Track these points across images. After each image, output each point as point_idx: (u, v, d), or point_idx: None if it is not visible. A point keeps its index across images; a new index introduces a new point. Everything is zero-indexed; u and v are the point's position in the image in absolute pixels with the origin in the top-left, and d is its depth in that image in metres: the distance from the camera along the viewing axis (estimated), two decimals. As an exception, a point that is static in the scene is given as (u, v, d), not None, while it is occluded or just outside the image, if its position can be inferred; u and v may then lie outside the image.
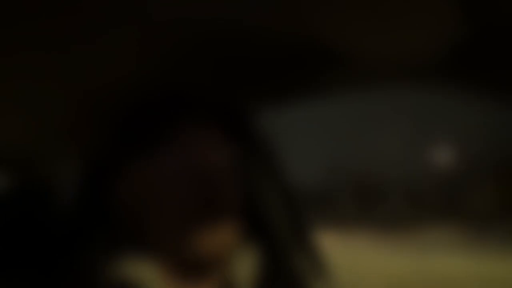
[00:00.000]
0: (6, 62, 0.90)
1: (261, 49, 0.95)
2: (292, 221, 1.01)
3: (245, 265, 0.98)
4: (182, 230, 0.91)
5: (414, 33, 0.91)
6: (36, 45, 0.86)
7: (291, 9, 0.84)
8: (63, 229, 1.08)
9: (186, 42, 0.90)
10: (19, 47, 0.86)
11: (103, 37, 0.86)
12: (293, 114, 1.17)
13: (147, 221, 0.93)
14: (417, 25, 0.89)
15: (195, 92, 1.01)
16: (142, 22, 0.84)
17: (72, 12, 0.79)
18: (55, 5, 0.77)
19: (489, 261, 11.34)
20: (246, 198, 0.96)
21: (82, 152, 1.13)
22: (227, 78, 1.03)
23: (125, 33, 0.86)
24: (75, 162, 1.16)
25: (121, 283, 0.92)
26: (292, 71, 1.02)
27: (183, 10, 0.82)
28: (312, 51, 0.96)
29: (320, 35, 0.91)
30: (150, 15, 0.82)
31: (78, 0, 0.78)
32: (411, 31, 0.91)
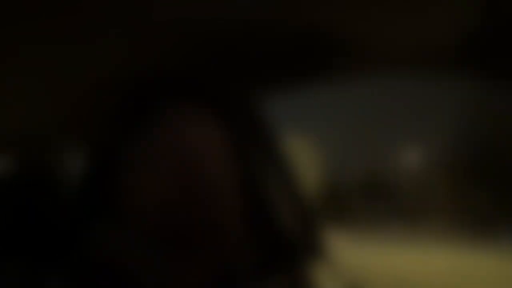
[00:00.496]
0: (12, 56, 0.91)
1: (265, 35, 0.95)
2: (291, 206, 1.01)
3: (245, 248, 0.98)
4: (173, 211, 0.92)
5: (430, 22, 0.91)
6: (41, 40, 0.86)
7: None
8: (64, 214, 1.08)
9: (188, 29, 0.90)
10: (25, 43, 0.87)
11: (103, 33, 0.87)
12: (300, 102, 1.17)
13: (143, 205, 0.93)
14: (432, 14, 0.89)
15: (194, 76, 1.01)
16: (142, 12, 0.84)
17: (74, 11, 0.80)
18: (56, 5, 0.78)
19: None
20: (243, 182, 0.96)
21: (83, 139, 1.14)
22: (230, 65, 1.03)
23: (128, 27, 0.87)
24: (77, 149, 1.17)
25: (118, 267, 0.93)
26: (298, 58, 1.02)
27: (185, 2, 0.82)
28: (320, 39, 0.96)
29: (330, 22, 0.91)
30: (151, 6, 0.82)
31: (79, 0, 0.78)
32: (426, 20, 0.90)
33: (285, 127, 1.05)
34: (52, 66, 0.97)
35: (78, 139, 1.14)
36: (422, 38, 0.95)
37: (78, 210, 0.99)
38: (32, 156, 1.30)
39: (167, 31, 0.88)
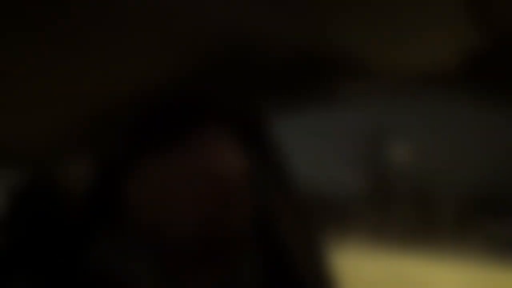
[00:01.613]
0: (21, 62, 0.90)
1: (277, 56, 0.95)
2: (301, 230, 1.01)
3: (252, 267, 0.98)
4: (191, 231, 0.92)
5: (431, 43, 0.91)
6: (53, 46, 0.86)
7: (309, 16, 0.84)
8: (74, 226, 1.08)
9: (202, 48, 0.91)
10: (37, 48, 0.87)
11: (120, 41, 0.87)
12: (309, 123, 1.17)
13: (156, 223, 0.94)
14: (433, 35, 0.89)
15: (209, 97, 1.01)
16: (159, 28, 0.84)
17: (90, 17, 0.80)
18: (70, 9, 0.78)
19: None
20: (257, 204, 0.96)
21: (95, 151, 1.13)
22: (244, 85, 1.03)
23: (142, 39, 0.86)
24: (88, 161, 1.16)
25: (125, 279, 0.93)
26: (310, 80, 1.02)
27: (200, 17, 0.82)
28: (329, 60, 0.96)
29: (337, 43, 0.91)
30: (167, 22, 0.83)
31: (96, 6, 0.78)
32: (428, 40, 0.90)
33: (292, 147, 1.05)
34: (64, 78, 0.97)
35: (91, 154, 1.14)
36: (423, 57, 0.96)
37: (87, 225, 1.00)
38: (43, 170, 1.29)
39: (184, 38, 0.88)
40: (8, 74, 0.93)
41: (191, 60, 0.93)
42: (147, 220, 0.94)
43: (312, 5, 0.81)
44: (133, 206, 0.95)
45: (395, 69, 0.99)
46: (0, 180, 1.35)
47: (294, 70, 0.99)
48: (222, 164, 0.93)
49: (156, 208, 0.93)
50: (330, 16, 0.84)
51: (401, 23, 0.86)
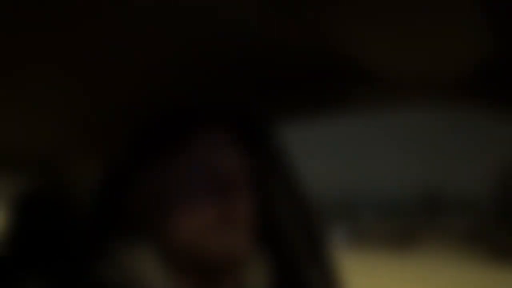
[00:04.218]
0: (31, 70, 0.91)
1: (284, 61, 0.95)
2: (305, 231, 1.01)
3: (258, 271, 0.98)
4: (197, 234, 0.92)
5: (442, 51, 0.91)
6: (61, 53, 0.86)
7: (316, 23, 0.84)
8: (82, 230, 1.08)
9: (209, 53, 0.91)
10: (46, 55, 0.87)
11: (127, 46, 0.87)
12: (314, 127, 1.17)
13: (163, 224, 0.94)
14: (444, 43, 0.89)
15: (215, 101, 1.01)
16: (165, 33, 0.84)
17: (97, 24, 0.80)
18: (79, 16, 0.78)
19: None
20: (260, 205, 0.96)
21: (102, 155, 1.13)
22: (250, 90, 1.03)
23: (148, 44, 0.87)
24: (95, 165, 1.16)
25: (134, 283, 0.93)
26: (316, 85, 1.02)
27: (207, 22, 0.82)
28: (336, 67, 0.96)
29: (345, 51, 0.91)
30: (174, 26, 0.83)
31: (106, 13, 0.78)
32: (439, 49, 0.90)
33: (300, 155, 1.05)
34: (71, 86, 0.97)
35: (100, 161, 1.14)
36: (436, 67, 0.96)
37: (96, 231, 1.00)
38: (50, 175, 1.30)
39: (191, 43, 0.88)
40: (13, 81, 0.93)
41: (197, 63, 0.93)
42: (153, 223, 0.94)
43: (319, 11, 0.81)
44: (139, 209, 0.95)
45: (405, 76, 0.99)
46: (7, 186, 1.36)
47: (300, 75, 0.99)
48: (226, 167, 0.94)
49: (162, 211, 0.94)
50: (337, 22, 0.83)
51: (412, 30, 0.86)
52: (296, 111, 1.11)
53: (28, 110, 1.04)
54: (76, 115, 1.07)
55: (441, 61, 0.94)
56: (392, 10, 0.81)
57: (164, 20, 0.81)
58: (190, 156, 0.94)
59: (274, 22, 0.83)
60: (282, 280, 1.00)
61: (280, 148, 1.03)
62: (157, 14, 0.79)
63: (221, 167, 0.93)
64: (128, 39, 0.85)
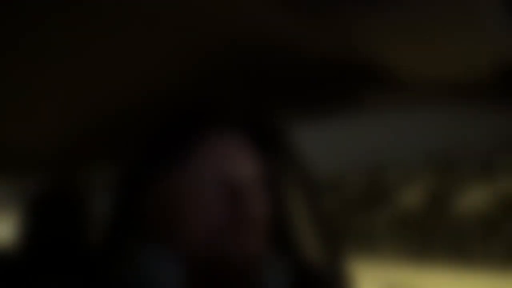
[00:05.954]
0: (42, 74, 0.91)
1: (299, 63, 0.94)
2: (318, 235, 1.01)
3: (274, 276, 0.98)
4: (212, 237, 0.92)
5: (462, 55, 0.90)
6: (71, 55, 0.87)
7: (333, 25, 0.83)
8: (96, 234, 1.08)
9: (222, 54, 0.91)
10: (58, 62, 0.87)
11: (138, 49, 0.87)
12: (328, 129, 1.17)
13: (176, 228, 0.94)
14: (466, 47, 0.88)
15: (228, 104, 1.01)
16: (177, 35, 0.84)
17: (105, 25, 0.80)
18: (93, 26, 0.78)
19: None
20: (274, 209, 0.97)
21: (116, 159, 1.14)
22: (262, 92, 1.04)
23: (160, 47, 0.87)
24: (109, 170, 1.17)
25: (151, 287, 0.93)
26: (331, 87, 1.02)
27: (220, 24, 0.82)
28: (354, 67, 0.96)
29: (363, 50, 0.91)
30: (185, 28, 0.83)
31: (104, 10, 0.78)
32: (460, 52, 0.90)
33: (313, 157, 1.05)
34: (84, 88, 0.97)
35: (112, 162, 1.14)
36: (456, 71, 0.95)
37: (113, 235, 1.00)
38: (65, 177, 1.30)
39: (203, 45, 0.88)
40: (21, 84, 0.93)
41: (210, 65, 0.93)
42: (170, 227, 0.94)
43: (337, 12, 0.80)
44: (156, 213, 0.95)
45: (423, 78, 0.98)
46: (20, 189, 1.36)
47: (317, 77, 0.99)
48: (240, 171, 0.94)
49: (178, 215, 0.94)
50: (356, 24, 0.83)
51: (432, 32, 0.85)
52: (310, 113, 1.11)
53: (40, 113, 1.04)
54: (87, 118, 1.07)
55: (461, 67, 0.94)
56: (413, 10, 0.80)
57: (179, 21, 0.81)
58: (204, 160, 0.94)
59: (291, 24, 0.83)
60: (298, 284, 1.00)
61: (294, 151, 1.02)
62: (171, 15, 0.79)
63: (234, 171, 0.93)
64: (140, 38, 0.85)
